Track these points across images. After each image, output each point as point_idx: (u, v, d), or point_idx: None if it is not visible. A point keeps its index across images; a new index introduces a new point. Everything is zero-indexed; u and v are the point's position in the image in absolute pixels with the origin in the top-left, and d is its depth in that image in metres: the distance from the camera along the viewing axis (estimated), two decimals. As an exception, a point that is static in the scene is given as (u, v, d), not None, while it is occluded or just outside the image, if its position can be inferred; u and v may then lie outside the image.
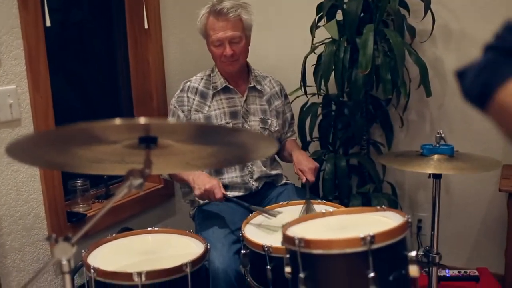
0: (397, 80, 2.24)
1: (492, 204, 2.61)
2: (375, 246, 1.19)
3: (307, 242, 1.22)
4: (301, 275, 1.24)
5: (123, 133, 1.06)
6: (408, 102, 2.48)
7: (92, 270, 1.47)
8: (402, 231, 1.26)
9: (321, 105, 2.60)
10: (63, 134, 1.02)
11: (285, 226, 1.39)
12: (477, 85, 0.75)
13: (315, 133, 2.63)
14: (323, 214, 1.52)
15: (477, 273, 2.16)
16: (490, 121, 0.76)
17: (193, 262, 1.49)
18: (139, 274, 1.41)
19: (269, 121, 2.17)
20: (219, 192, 1.85)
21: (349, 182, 2.44)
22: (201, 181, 1.88)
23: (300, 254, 1.23)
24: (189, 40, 2.67)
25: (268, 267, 1.56)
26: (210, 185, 1.85)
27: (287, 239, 1.30)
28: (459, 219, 2.68)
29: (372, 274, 1.18)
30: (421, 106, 2.68)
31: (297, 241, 1.23)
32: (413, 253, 1.27)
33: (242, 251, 1.68)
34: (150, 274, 1.42)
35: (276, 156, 2.32)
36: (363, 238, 1.18)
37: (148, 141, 1.10)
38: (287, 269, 1.34)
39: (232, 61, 2.04)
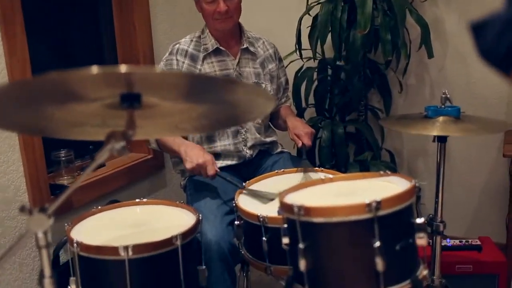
0: (398, 41, 2.13)
1: (494, 170, 2.53)
2: (381, 212, 1.09)
3: (307, 210, 1.12)
4: (301, 245, 1.14)
5: (102, 88, 0.94)
6: (408, 65, 2.36)
7: (75, 245, 1.37)
8: (409, 196, 1.16)
9: (316, 70, 2.47)
10: (34, 85, 0.89)
11: (282, 194, 1.29)
12: (502, 45, 0.63)
13: (311, 99, 2.52)
14: (322, 181, 1.41)
15: (479, 243, 2.09)
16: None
17: (184, 235, 1.39)
18: (126, 248, 1.31)
19: (263, 85, 2.05)
20: (211, 169, 1.74)
21: (346, 150, 2.34)
22: (194, 154, 1.77)
23: (300, 223, 1.13)
24: (179, 1, 2.52)
25: (264, 238, 1.47)
26: (203, 160, 1.74)
27: (285, 207, 1.19)
28: (460, 187, 2.60)
29: (378, 244, 1.08)
30: (420, 70, 2.57)
31: (296, 209, 1.13)
32: (421, 220, 1.17)
33: (235, 222, 1.58)
34: (137, 247, 1.32)
35: (270, 123, 2.20)
36: (368, 205, 1.08)
37: (130, 99, 0.98)
38: (285, 240, 1.24)
39: (225, 18, 1.91)
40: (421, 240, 1.17)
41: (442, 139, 1.60)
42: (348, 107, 2.48)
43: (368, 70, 2.48)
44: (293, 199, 1.26)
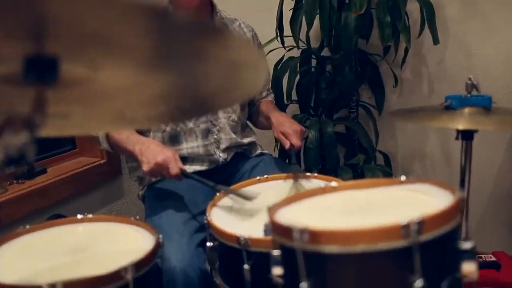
0: (398, 24, 1.80)
1: (501, 174, 2.23)
2: (423, 238, 0.74)
3: (314, 235, 0.76)
4: (304, 285, 0.79)
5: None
6: (407, 55, 2.05)
7: (-17, 282, 0.98)
8: (456, 213, 0.82)
9: (300, 60, 2.14)
10: None
11: (272, 209, 0.93)
12: None
13: (293, 95, 2.17)
14: (323, 190, 1.06)
15: (494, 259, 1.78)
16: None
17: (138, 264, 1.02)
18: (53, 286, 0.93)
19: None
20: (174, 167, 1.37)
21: (337, 152, 2.00)
22: (151, 152, 1.39)
23: (303, 254, 0.78)
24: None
25: (246, 266, 1.11)
26: (163, 157, 1.37)
27: (279, 230, 0.84)
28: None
29: (420, 283, 0.74)
30: (417, 62, 2.26)
31: (297, 233, 0.77)
32: (470, 245, 0.83)
33: (207, 244, 1.22)
34: (70, 285, 0.94)
35: (248, 122, 1.85)
36: (406, 226, 0.73)
37: (39, 66, 0.62)
38: (277, 271, 0.89)
39: None
40: (471, 272, 0.83)
41: (467, 136, 1.27)
42: (336, 104, 2.14)
43: (358, 62, 2.15)
44: (288, 217, 0.91)
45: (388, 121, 2.33)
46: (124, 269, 0.99)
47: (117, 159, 2.07)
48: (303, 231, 0.77)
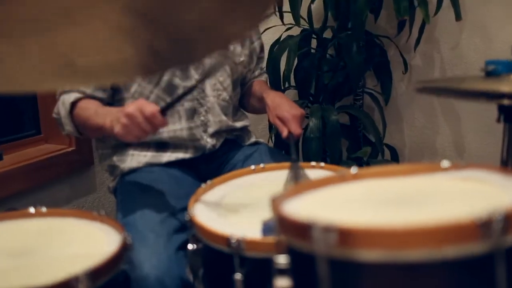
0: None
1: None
2: (509, 241, 0.50)
3: (345, 235, 0.52)
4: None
5: None
6: (422, 33, 1.82)
7: None
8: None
9: (299, 40, 1.90)
10: None
11: (277, 200, 0.68)
12: None
13: (291, 79, 1.94)
14: (339, 179, 0.81)
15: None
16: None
17: (95, 273, 0.76)
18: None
19: (231, 48, 1.45)
20: (148, 106, 1.09)
21: (340, 143, 1.76)
22: (118, 110, 1.16)
23: (328, 262, 0.53)
24: None
25: (238, 275, 0.87)
26: (132, 106, 1.10)
27: (290, 228, 0.59)
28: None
29: (504, 309, 0.50)
30: (429, 47, 2.03)
31: (319, 233, 0.53)
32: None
33: (189, 246, 0.98)
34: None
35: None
36: (485, 224, 0.49)
37: None
38: (281, 283, 0.65)
39: None
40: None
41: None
42: (340, 90, 1.91)
43: (365, 44, 1.92)
44: (298, 211, 0.66)
45: (394, 111, 2.11)
46: (75, 279, 0.73)
47: (88, 147, 1.80)
48: (328, 229, 0.52)
